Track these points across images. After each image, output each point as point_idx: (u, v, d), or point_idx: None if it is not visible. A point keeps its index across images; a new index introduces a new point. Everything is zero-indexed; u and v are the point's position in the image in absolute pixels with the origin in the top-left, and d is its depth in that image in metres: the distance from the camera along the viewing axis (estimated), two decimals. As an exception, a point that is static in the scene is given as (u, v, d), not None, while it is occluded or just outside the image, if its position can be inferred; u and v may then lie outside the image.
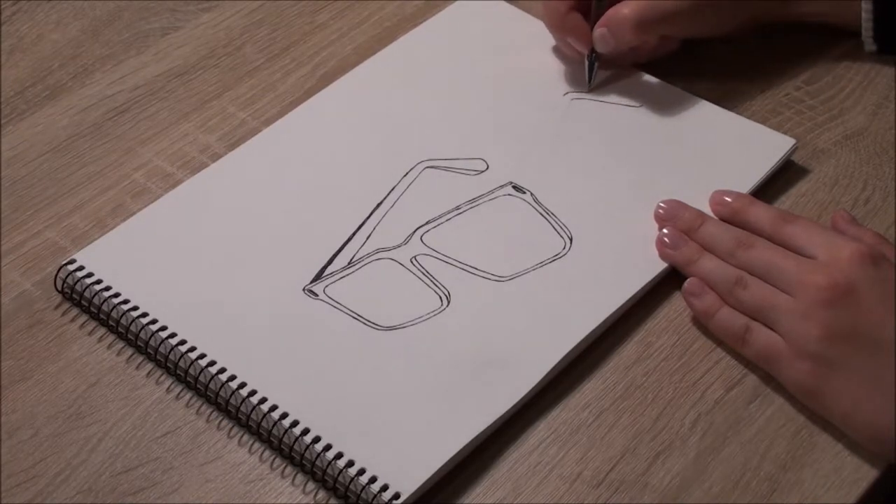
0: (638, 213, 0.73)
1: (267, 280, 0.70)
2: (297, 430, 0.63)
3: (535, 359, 0.66)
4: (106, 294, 0.69)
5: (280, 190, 0.75)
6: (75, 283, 0.70)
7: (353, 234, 0.72)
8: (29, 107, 0.82)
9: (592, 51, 0.80)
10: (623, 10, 0.78)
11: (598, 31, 0.79)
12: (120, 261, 0.71)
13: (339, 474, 0.61)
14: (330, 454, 0.62)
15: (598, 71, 0.81)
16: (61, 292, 0.71)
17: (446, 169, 0.76)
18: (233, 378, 0.65)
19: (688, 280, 0.69)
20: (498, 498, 0.62)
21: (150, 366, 0.68)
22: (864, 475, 0.63)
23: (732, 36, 0.83)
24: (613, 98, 0.80)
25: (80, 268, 0.70)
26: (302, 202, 0.74)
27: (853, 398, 0.62)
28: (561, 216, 0.73)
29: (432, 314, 0.68)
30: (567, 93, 0.81)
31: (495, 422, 0.64)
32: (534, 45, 0.84)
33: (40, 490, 0.63)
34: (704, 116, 0.79)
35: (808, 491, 0.62)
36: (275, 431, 0.63)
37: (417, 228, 0.73)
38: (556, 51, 0.84)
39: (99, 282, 0.70)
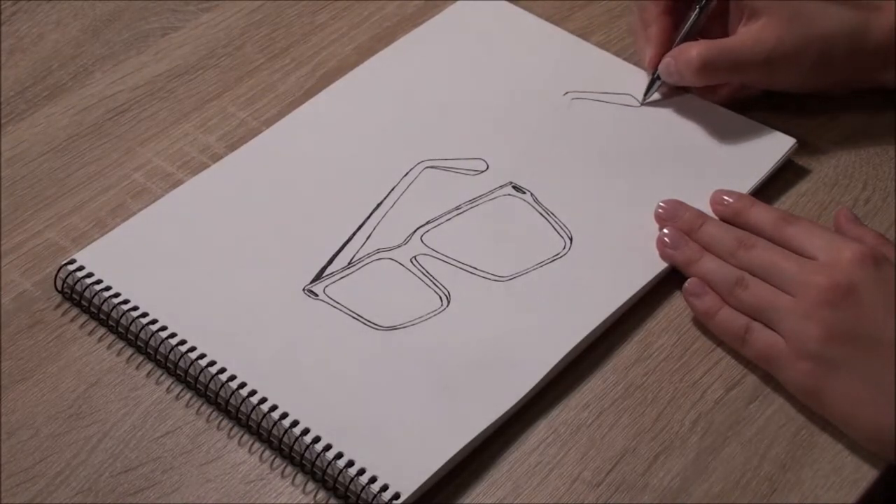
0: (638, 213, 0.73)
1: (267, 280, 0.70)
2: (297, 430, 0.63)
3: (535, 359, 0.66)
4: (106, 294, 0.69)
5: (280, 190, 0.75)
6: (75, 283, 0.70)
7: (353, 234, 0.72)
8: (29, 107, 0.82)
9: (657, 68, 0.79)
10: (691, 51, 0.76)
11: (666, 59, 0.78)
12: (120, 261, 0.71)
13: (339, 474, 0.61)
14: (330, 454, 0.62)
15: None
16: (61, 292, 0.71)
17: (446, 169, 0.76)
18: (233, 378, 0.65)
19: (688, 280, 0.69)
20: (498, 498, 0.62)
21: (150, 366, 0.68)
22: (864, 475, 0.63)
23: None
24: (613, 98, 0.80)
25: (80, 268, 0.70)
26: (302, 202, 0.74)
27: (854, 398, 0.62)
28: (561, 216, 0.73)
29: (432, 314, 0.68)
30: (567, 93, 0.81)
31: (495, 422, 0.64)
32: (534, 44, 0.84)
33: (40, 490, 0.63)
34: (704, 115, 0.79)
35: (808, 491, 0.62)
36: (275, 431, 0.63)
37: (417, 228, 0.73)
38: (557, 51, 0.84)
39: (99, 282, 0.70)
